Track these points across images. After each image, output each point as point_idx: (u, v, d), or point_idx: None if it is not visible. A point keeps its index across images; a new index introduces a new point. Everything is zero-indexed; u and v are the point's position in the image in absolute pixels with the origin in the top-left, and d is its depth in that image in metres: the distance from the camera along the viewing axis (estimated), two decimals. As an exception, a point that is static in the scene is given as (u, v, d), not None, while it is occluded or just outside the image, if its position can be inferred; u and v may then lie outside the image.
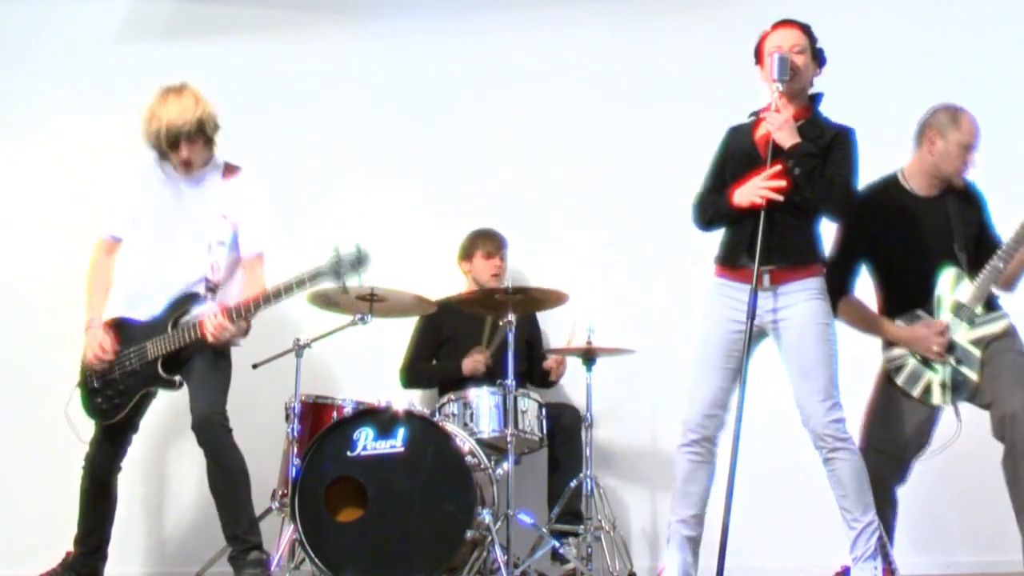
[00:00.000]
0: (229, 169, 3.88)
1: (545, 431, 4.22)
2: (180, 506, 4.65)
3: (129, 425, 3.83)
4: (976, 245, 3.59)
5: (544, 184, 4.98)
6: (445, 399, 4.23)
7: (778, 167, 3.24)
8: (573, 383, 4.61)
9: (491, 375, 4.25)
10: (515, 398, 4.05)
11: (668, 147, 4.97)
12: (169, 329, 3.70)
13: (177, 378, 3.69)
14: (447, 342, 4.60)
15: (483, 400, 4.12)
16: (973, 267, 3.54)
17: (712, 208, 3.44)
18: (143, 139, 3.79)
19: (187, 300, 3.75)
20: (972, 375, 3.49)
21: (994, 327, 3.49)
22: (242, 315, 3.67)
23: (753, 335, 3.26)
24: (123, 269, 3.87)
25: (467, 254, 4.66)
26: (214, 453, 3.60)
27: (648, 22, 5.11)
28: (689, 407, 3.35)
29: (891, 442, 3.56)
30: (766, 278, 3.28)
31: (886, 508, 3.58)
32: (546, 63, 5.11)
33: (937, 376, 3.54)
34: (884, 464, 3.55)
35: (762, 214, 3.23)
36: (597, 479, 4.18)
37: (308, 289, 3.67)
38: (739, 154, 3.43)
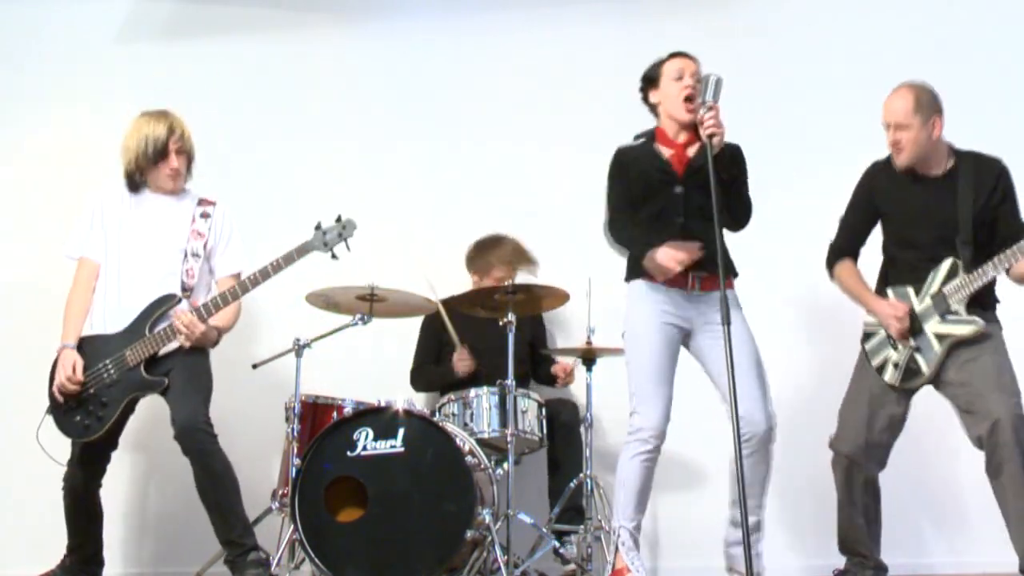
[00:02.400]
0: (204, 201, 3.93)
1: (545, 431, 4.22)
2: (179, 505, 4.63)
3: (109, 442, 3.80)
4: (987, 228, 3.55)
5: (544, 184, 4.98)
6: (445, 399, 4.23)
7: (699, 245, 3.37)
8: (573, 383, 4.61)
9: (490, 376, 4.24)
10: (515, 398, 4.05)
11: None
12: (147, 332, 3.69)
13: (163, 379, 3.67)
14: (448, 343, 4.60)
15: (483, 400, 4.11)
16: (975, 261, 3.51)
17: (629, 245, 3.57)
18: (123, 163, 3.83)
19: (164, 302, 3.74)
20: (924, 367, 3.53)
21: (961, 329, 3.49)
22: (219, 305, 3.68)
23: (679, 338, 3.46)
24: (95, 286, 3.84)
25: (480, 269, 4.60)
26: (200, 460, 3.59)
27: (649, 23, 5.11)
28: (645, 416, 3.40)
29: (863, 433, 3.58)
30: (697, 282, 3.44)
31: (868, 498, 3.61)
32: (547, 63, 5.11)
33: (894, 355, 3.58)
34: (861, 460, 3.59)
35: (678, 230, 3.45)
36: (597, 479, 4.18)
37: (295, 262, 3.67)
38: (651, 173, 3.54)
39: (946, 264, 3.54)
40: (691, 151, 3.53)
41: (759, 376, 3.40)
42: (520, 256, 4.61)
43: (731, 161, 3.43)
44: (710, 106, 3.33)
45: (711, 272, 3.41)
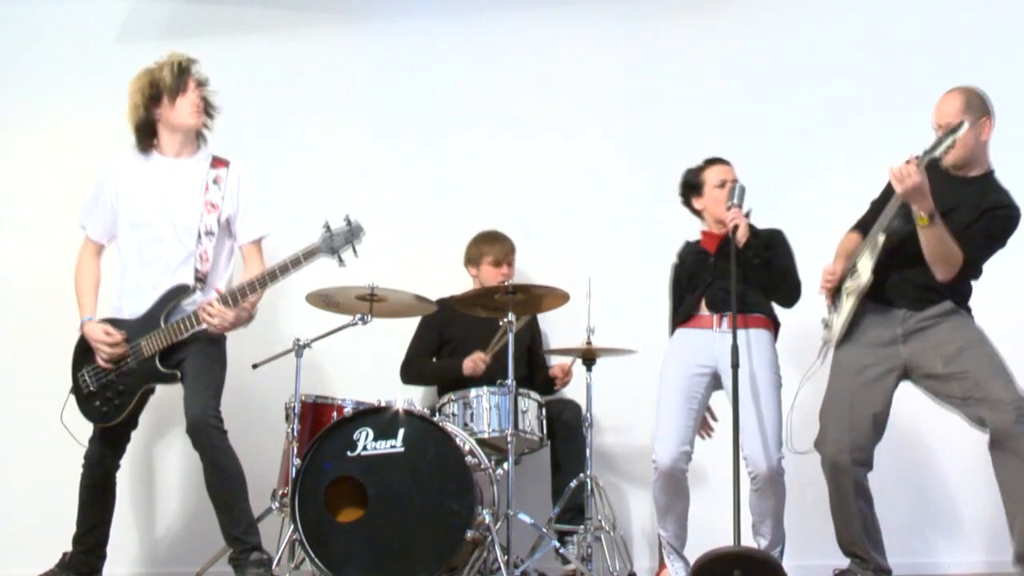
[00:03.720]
0: (217, 161, 3.88)
1: (545, 431, 4.22)
2: (179, 505, 4.65)
3: (129, 423, 3.82)
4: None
5: (544, 183, 4.99)
6: (445, 399, 4.23)
7: None
8: (573, 383, 4.61)
9: (491, 377, 4.25)
10: (515, 398, 4.05)
11: (668, 146, 4.97)
12: (162, 323, 3.69)
13: (177, 372, 3.68)
14: (448, 342, 4.60)
15: (483, 400, 4.11)
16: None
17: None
18: (131, 117, 3.80)
19: (177, 293, 3.73)
20: (835, 320, 3.66)
21: (856, 282, 3.58)
22: (237, 299, 3.66)
23: (705, 383, 3.72)
24: (108, 268, 3.86)
25: (474, 260, 4.65)
26: (209, 456, 3.59)
27: (648, 23, 5.12)
28: (656, 451, 3.64)
29: (845, 434, 3.58)
30: (724, 322, 3.69)
31: (859, 500, 3.61)
32: (546, 63, 5.12)
33: (827, 318, 3.74)
34: (845, 462, 3.58)
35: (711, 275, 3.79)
36: (597, 479, 4.18)
37: (303, 266, 3.66)
38: (694, 260, 3.91)
39: (880, 237, 3.59)
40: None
41: (766, 420, 3.59)
42: (512, 254, 4.64)
43: (765, 245, 3.73)
44: (733, 207, 3.68)
45: (739, 311, 3.62)
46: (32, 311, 4.67)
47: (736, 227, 3.64)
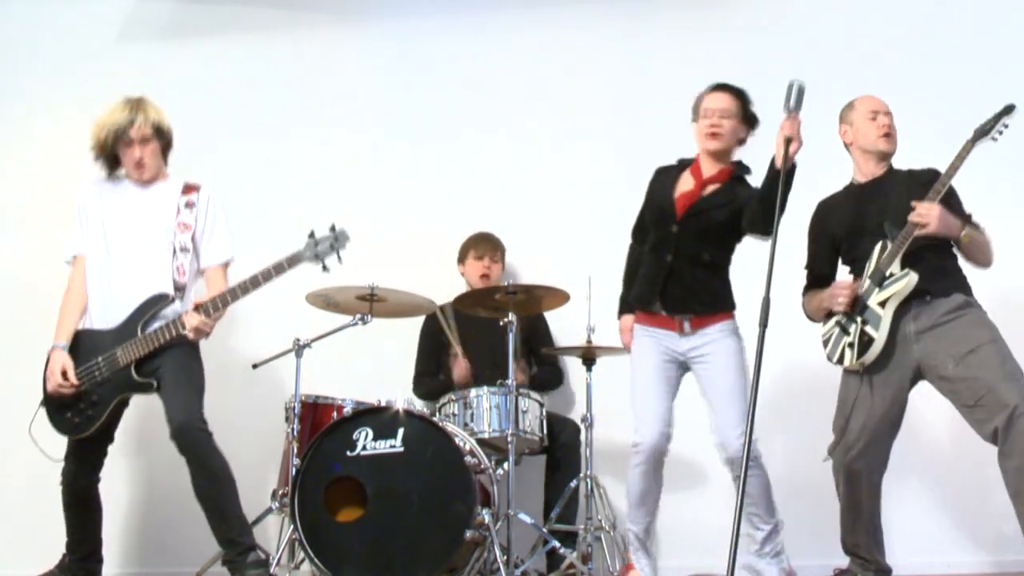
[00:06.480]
0: (189, 187, 3.88)
1: (545, 431, 4.21)
2: (178, 505, 4.63)
3: (105, 436, 3.79)
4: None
5: (545, 183, 4.98)
6: (445, 399, 4.23)
7: None
8: (573, 383, 4.61)
9: (490, 378, 4.24)
10: (516, 398, 4.04)
11: (668, 146, 4.95)
12: (139, 333, 3.67)
13: (152, 381, 3.65)
14: (449, 346, 4.59)
15: (483, 400, 4.11)
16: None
17: (625, 281, 3.86)
18: (93, 152, 3.82)
19: (155, 302, 3.71)
20: (874, 333, 3.53)
21: (897, 286, 3.51)
22: (219, 307, 3.64)
23: (675, 366, 3.64)
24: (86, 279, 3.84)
25: (461, 257, 4.70)
26: (197, 459, 3.57)
27: (648, 23, 5.12)
28: (640, 433, 3.59)
29: (861, 439, 3.57)
30: (686, 324, 3.61)
31: (871, 502, 3.62)
32: (547, 62, 5.12)
33: (847, 338, 3.60)
34: (862, 467, 3.59)
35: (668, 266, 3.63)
36: (597, 479, 4.17)
37: (286, 272, 3.65)
38: (656, 205, 3.73)
39: (876, 247, 3.59)
40: (707, 191, 3.67)
41: (735, 406, 3.51)
42: (496, 251, 4.66)
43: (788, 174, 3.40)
44: (792, 114, 3.35)
45: (698, 313, 3.60)
46: (32, 309, 4.67)
47: (789, 140, 3.24)
